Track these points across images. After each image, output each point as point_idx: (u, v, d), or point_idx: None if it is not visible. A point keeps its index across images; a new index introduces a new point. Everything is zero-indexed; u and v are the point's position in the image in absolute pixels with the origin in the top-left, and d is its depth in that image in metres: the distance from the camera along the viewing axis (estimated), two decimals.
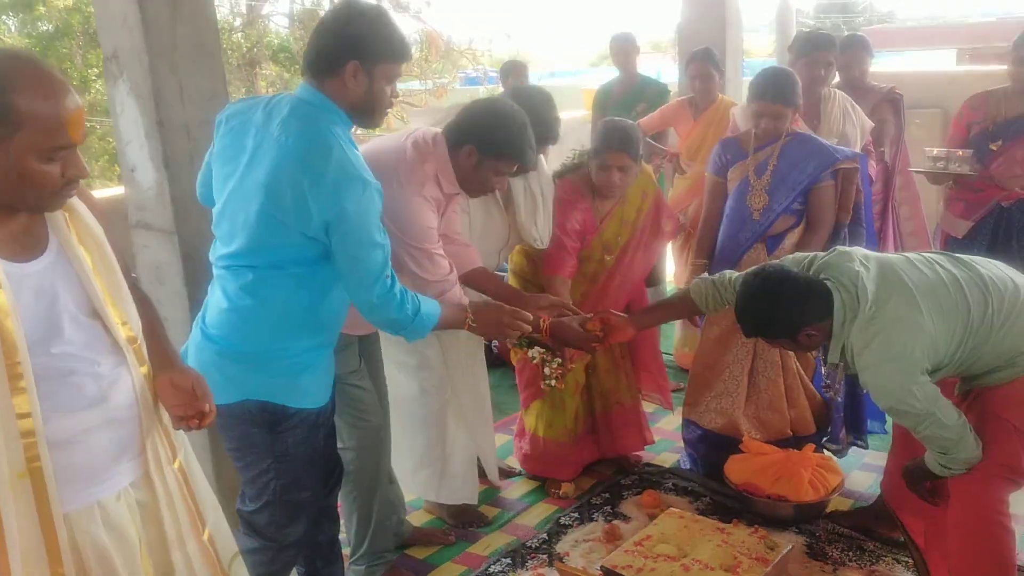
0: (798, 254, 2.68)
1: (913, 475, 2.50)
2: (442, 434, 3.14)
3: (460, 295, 2.62)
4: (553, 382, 2.59)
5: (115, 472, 1.65)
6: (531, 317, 2.59)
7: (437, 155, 2.64)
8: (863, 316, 2.32)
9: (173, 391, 1.70)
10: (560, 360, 2.71)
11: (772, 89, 3.25)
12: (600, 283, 3.32)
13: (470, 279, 2.84)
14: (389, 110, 2.28)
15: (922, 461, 2.42)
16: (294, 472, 2.25)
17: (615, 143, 3.13)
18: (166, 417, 1.76)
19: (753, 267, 2.61)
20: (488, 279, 2.91)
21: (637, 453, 3.70)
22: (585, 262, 3.28)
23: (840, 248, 2.55)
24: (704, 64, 4.55)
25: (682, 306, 2.99)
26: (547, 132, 2.98)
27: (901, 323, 2.30)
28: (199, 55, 2.90)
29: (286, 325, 2.15)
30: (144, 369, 1.70)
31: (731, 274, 2.76)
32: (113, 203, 3.74)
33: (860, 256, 2.45)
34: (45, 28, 12.86)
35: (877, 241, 3.96)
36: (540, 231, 3.11)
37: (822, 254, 2.56)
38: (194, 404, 1.69)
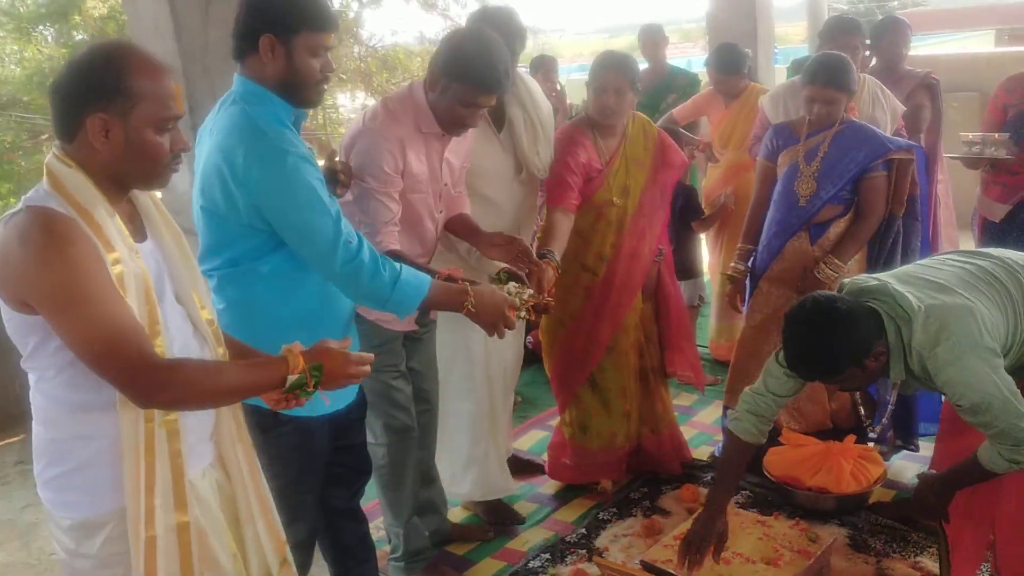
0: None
1: (952, 482, 2.33)
2: (487, 432, 3.15)
3: (389, 244, 2.47)
4: (523, 314, 2.40)
5: (200, 451, 1.72)
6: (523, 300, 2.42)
7: (412, 99, 2.56)
8: (918, 316, 2.18)
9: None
10: (531, 292, 2.47)
11: (824, 73, 3.19)
12: (627, 228, 3.25)
13: (450, 225, 2.80)
14: (325, 87, 2.13)
15: (971, 463, 2.25)
16: (290, 475, 2.18)
17: (607, 65, 3.11)
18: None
19: (787, 320, 2.29)
20: (460, 221, 2.81)
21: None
22: (604, 207, 3.21)
23: (845, 280, 2.44)
24: (719, 75, 4.57)
25: (744, 453, 2.58)
26: (516, 42, 2.89)
27: (958, 310, 2.18)
28: (230, 58, 2.93)
29: (259, 326, 2.07)
30: (221, 350, 1.76)
31: (750, 391, 2.53)
32: None
33: (874, 275, 2.38)
34: (80, 37, 13.07)
35: (930, 237, 3.87)
36: (542, 159, 3.06)
37: (839, 288, 2.45)
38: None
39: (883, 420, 3.30)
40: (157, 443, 1.59)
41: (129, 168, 1.58)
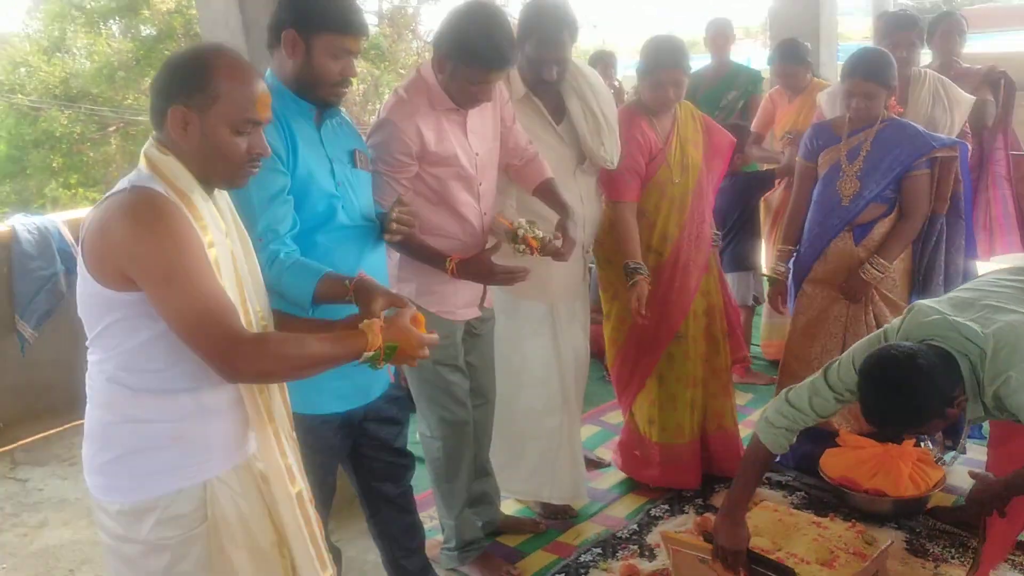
0: (871, 336, 2.46)
1: (1016, 487, 2.28)
2: (556, 443, 3.18)
3: None
4: (522, 248, 2.46)
5: (246, 441, 1.76)
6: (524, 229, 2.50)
7: (422, 80, 2.56)
8: (988, 345, 2.13)
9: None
10: (540, 234, 2.49)
11: (863, 67, 3.16)
12: (689, 208, 3.23)
13: (538, 191, 2.82)
14: (344, 89, 2.18)
15: None
16: None
17: (666, 60, 3.09)
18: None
19: (865, 378, 2.22)
20: (548, 193, 2.80)
21: None
22: (667, 185, 3.19)
23: (910, 308, 2.40)
24: (785, 65, 4.54)
25: (762, 463, 2.56)
26: (566, 32, 2.85)
27: (1022, 328, 2.14)
28: None
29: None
30: None
31: (791, 405, 2.46)
32: None
33: (930, 305, 2.33)
34: (148, 32, 13.39)
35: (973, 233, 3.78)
36: (608, 151, 3.02)
37: (894, 325, 2.39)
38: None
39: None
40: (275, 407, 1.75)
41: (205, 163, 1.65)
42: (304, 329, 1.82)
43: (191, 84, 1.60)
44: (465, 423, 2.83)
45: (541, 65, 2.83)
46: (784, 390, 2.52)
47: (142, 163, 1.63)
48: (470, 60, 2.43)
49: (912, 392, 2.10)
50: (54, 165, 14.27)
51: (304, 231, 2.15)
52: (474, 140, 2.66)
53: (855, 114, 3.21)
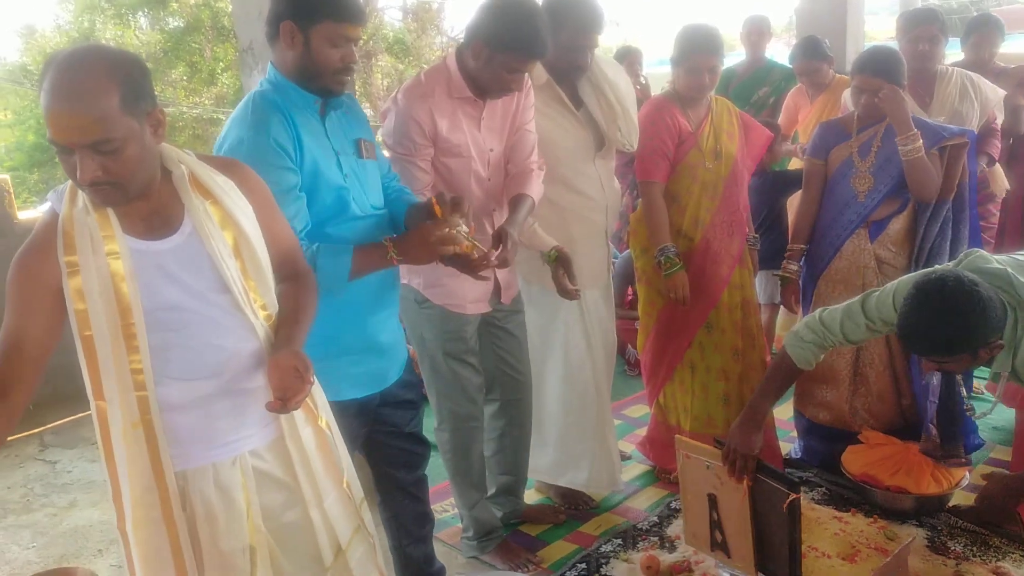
0: (918, 272, 2.46)
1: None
2: (588, 431, 3.21)
3: None
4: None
5: (235, 439, 1.77)
6: (461, 236, 2.17)
7: (445, 68, 2.59)
8: None
9: (275, 371, 1.68)
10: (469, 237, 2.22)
11: (871, 63, 3.17)
12: (721, 195, 3.25)
13: (510, 200, 2.74)
14: (347, 77, 2.17)
15: None
16: None
17: (702, 46, 3.12)
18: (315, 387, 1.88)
19: (914, 283, 2.26)
20: (513, 203, 2.67)
21: None
22: (698, 169, 3.22)
23: (971, 252, 2.41)
24: (806, 61, 4.55)
25: (788, 376, 2.67)
26: (595, 26, 2.87)
27: None
28: None
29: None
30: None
31: (823, 320, 2.55)
32: None
33: (991, 256, 2.35)
34: (175, 24, 13.50)
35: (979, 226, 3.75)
36: (625, 134, 3.05)
37: (946, 264, 2.42)
38: (296, 384, 1.66)
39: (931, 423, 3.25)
40: (135, 443, 1.66)
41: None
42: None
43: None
44: (473, 417, 2.84)
45: (576, 52, 2.85)
46: (819, 310, 2.58)
47: None
48: (510, 47, 2.45)
49: (962, 314, 2.11)
50: None
51: (315, 224, 2.15)
52: (488, 135, 2.67)
53: (863, 110, 3.22)
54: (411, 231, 2.22)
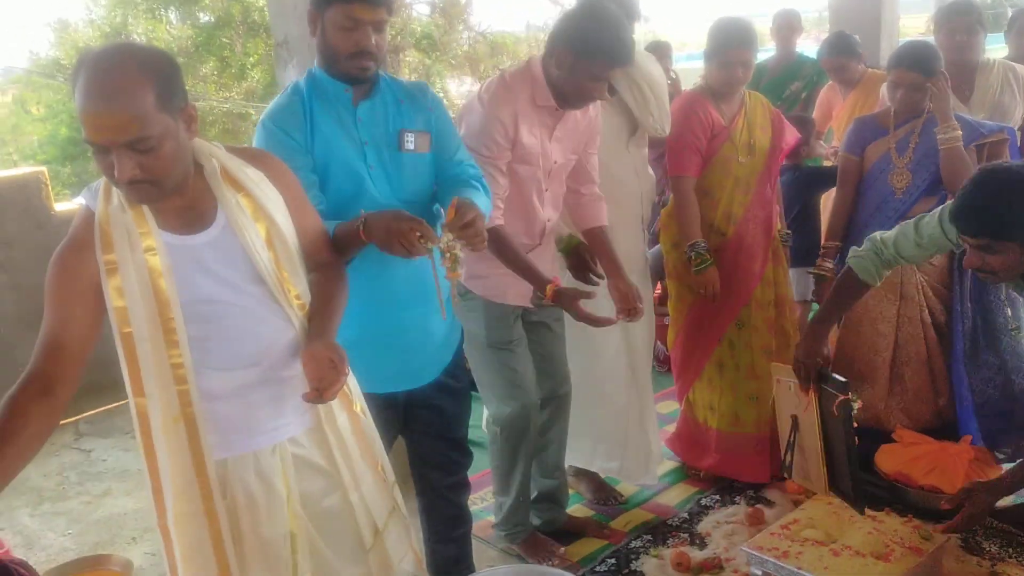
0: None
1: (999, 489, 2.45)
2: (624, 422, 3.23)
3: (494, 219, 2.46)
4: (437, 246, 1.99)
5: (274, 427, 1.79)
6: (431, 233, 1.97)
7: (530, 72, 2.60)
8: None
9: (312, 363, 1.69)
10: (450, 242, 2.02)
11: (908, 57, 3.16)
12: (754, 189, 3.23)
13: (590, 235, 2.84)
14: (365, 63, 2.13)
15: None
16: None
17: (735, 40, 3.11)
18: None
19: (981, 170, 2.33)
20: (601, 244, 2.81)
21: None
22: (731, 163, 3.20)
23: None
24: (834, 57, 4.51)
25: (852, 290, 2.77)
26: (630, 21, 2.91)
27: None
28: None
29: None
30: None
31: (880, 235, 2.67)
32: None
33: None
34: (206, 19, 13.58)
35: None
36: (657, 120, 3.04)
37: None
38: (332, 375, 1.68)
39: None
40: (176, 437, 1.68)
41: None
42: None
43: None
44: (525, 407, 2.79)
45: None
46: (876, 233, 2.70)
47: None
48: (597, 54, 2.48)
49: (1019, 195, 2.17)
50: None
51: (331, 208, 2.14)
52: (556, 147, 2.67)
53: (900, 105, 3.20)
54: (388, 211, 2.03)
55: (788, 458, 2.83)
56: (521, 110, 2.56)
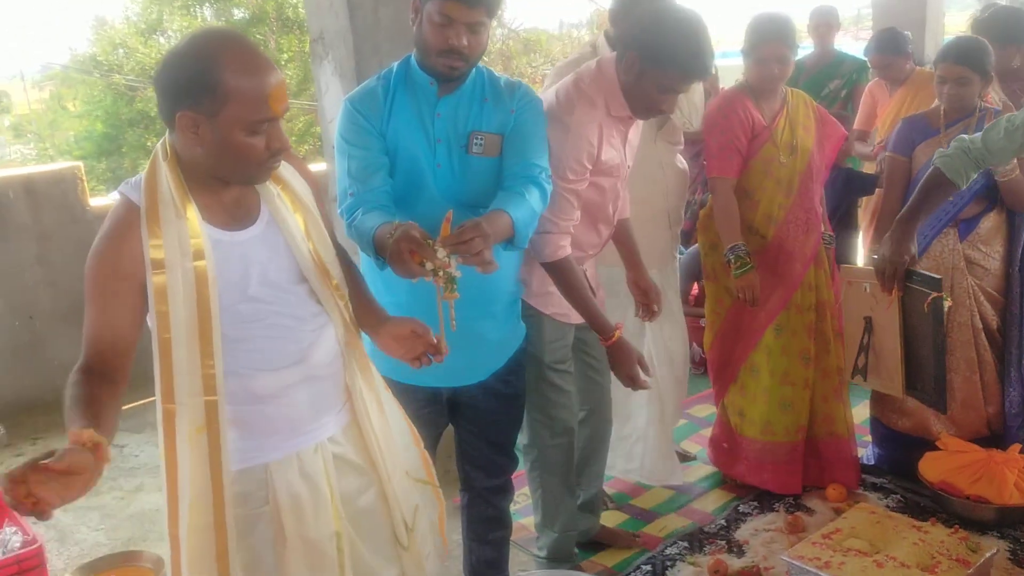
0: None
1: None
2: (642, 428, 3.20)
3: (561, 250, 2.36)
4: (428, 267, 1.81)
5: (315, 426, 1.77)
6: (431, 255, 1.82)
7: (604, 79, 2.40)
8: None
9: (396, 343, 1.82)
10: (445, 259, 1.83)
11: (955, 51, 3.07)
12: (796, 190, 3.13)
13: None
14: (456, 63, 2.07)
15: None
16: None
17: (770, 35, 3.02)
18: (372, 366, 1.88)
19: None
20: (625, 235, 2.75)
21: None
22: (771, 163, 3.11)
23: None
24: (883, 55, 4.42)
25: (939, 189, 2.68)
26: None
27: None
28: (399, 36, 3.02)
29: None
30: (349, 318, 1.81)
31: (967, 135, 2.62)
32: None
33: None
34: (240, 15, 13.69)
35: None
36: (686, 114, 2.96)
37: None
38: (420, 343, 1.80)
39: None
40: (197, 447, 1.63)
41: (221, 165, 1.59)
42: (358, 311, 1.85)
43: (196, 88, 1.50)
44: (570, 431, 2.72)
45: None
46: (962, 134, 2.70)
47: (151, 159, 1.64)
48: (670, 65, 2.28)
49: None
50: (148, 144, 14.72)
51: (395, 198, 2.13)
52: (629, 152, 2.57)
53: (949, 102, 3.11)
54: (403, 227, 1.89)
55: (861, 360, 2.83)
56: (604, 122, 2.39)
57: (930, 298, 2.58)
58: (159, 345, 1.60)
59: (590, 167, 2.38)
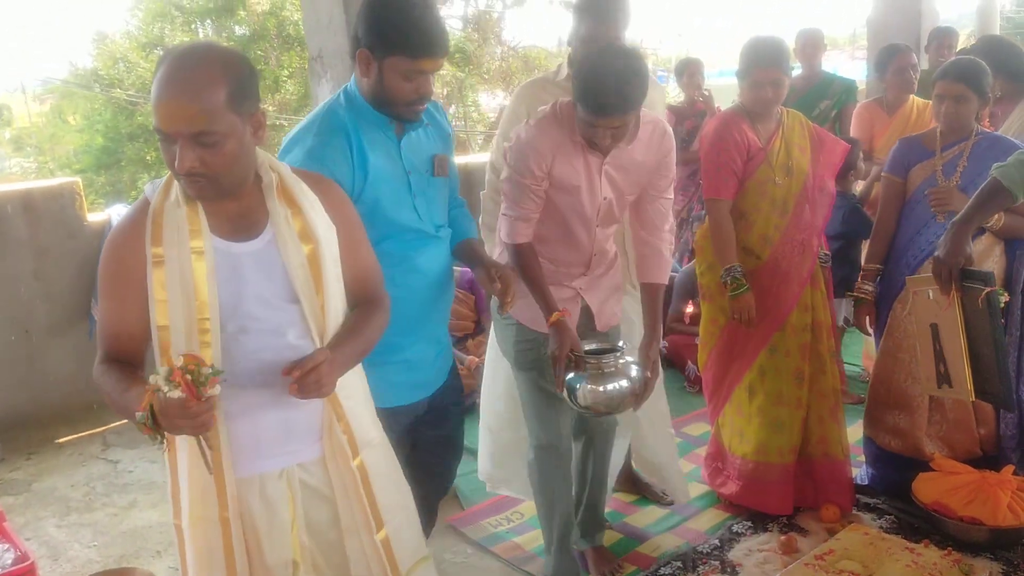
0: None
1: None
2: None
3: (521, 236, 2.54)
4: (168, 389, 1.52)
5: (282, 451, 1.77)
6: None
7: (572, 108, 2.46)
8: None
9: (307, 362, 1.65)
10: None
11: (955, 69, 3.08)
12: (791, 211, 3.13)
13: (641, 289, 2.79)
14: (421, 107, 2.15)
15: None
16: None
17: (764, 59, 3.03)
18: (354, 412, 1.84)
19: None
20: (645, 298, 2.77)
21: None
22: (767, 184, 3.11)
23: None
24: (909, 55, 4.44)
25: (996, 197, 2.69)
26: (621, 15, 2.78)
27: None
28: None
29: None
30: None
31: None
32: None
33: None
34: (241, 32, 13.75)
35: None
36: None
37: None
38: (307, 387, 1.64)
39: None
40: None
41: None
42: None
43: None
44: (552, 447, 2.71)
45: (596, 42, 2.66)
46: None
47: None
48: (583, 103, 2.35)
49: None
50: (148, 158, 14.74)
51: (376, 240, 2.07)
52: (607, 184, 2.57)
53: (946, 121, 3.12)
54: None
55: (942, 367, 2.82)
56: (561, 143, 2.49)
57: (984, 292, 2.60)
58: (157, 333, 1.66)
59: (539, 174, 2.48)
